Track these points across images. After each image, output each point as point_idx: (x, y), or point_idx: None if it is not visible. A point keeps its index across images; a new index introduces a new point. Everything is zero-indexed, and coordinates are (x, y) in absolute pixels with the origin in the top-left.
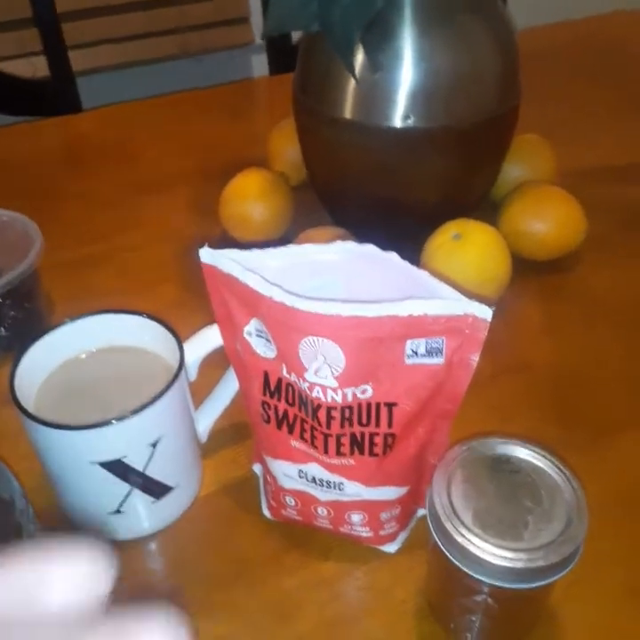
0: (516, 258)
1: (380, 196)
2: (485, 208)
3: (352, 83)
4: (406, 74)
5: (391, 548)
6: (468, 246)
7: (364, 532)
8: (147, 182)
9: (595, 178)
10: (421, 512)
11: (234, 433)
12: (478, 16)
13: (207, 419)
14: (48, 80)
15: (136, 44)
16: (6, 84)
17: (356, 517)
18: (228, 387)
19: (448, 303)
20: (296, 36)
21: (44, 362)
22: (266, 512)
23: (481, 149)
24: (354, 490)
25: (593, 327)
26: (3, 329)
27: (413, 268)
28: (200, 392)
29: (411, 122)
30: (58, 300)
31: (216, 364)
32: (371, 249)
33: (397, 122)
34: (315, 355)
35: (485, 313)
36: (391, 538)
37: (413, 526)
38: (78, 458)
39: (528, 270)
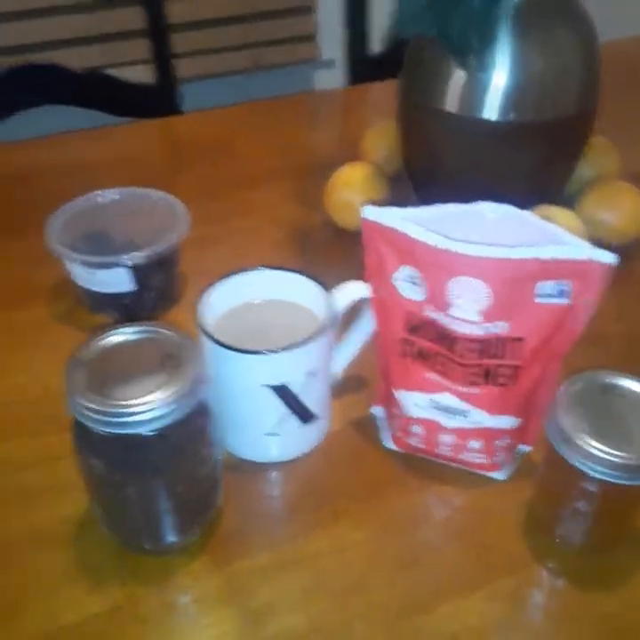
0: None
1: (471, 182)
2: (559, 202)
3: (455, 79)
4: (502, 74)
5: (500, 475)
6: None
7: (479, 459)
8: (246, 177)
9: None
10: (524, 449)
11: (356, 383)
12: (568, 27)
13: (341, 362)
14: (152, 86)
15: (215, 58)
16: (116, 87)
17: (475, 444)
18: (359, 335)
19: (579, 249)
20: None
21: (221, 302)
22: (389, 444)
23: (562, 143)
24: (477, 417)
25: None
26: (152, 292)
27: (544, 223)
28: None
29: (508, 116)
30: (188, 273)
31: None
32: (508, 208)
33: (493, 115)
34: (461, 292)
35: (609, 258)
36: (499, 466)
37: (518, 463)
38: (252, 380)
39: None
